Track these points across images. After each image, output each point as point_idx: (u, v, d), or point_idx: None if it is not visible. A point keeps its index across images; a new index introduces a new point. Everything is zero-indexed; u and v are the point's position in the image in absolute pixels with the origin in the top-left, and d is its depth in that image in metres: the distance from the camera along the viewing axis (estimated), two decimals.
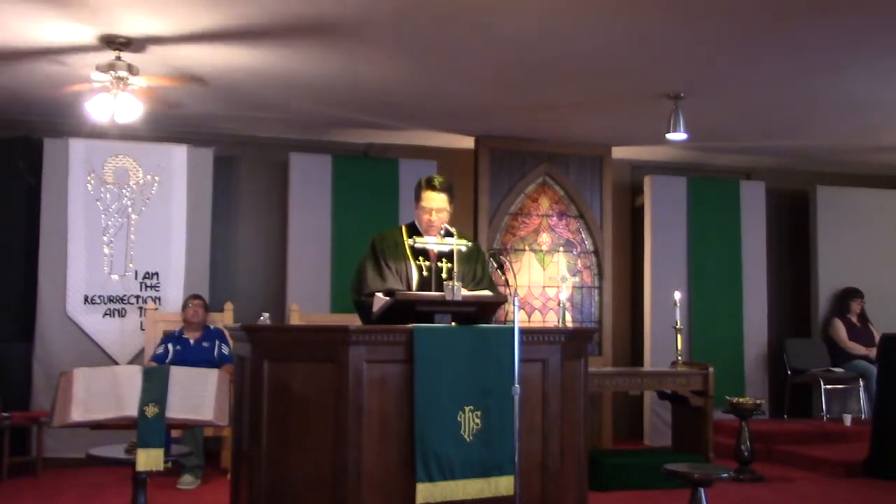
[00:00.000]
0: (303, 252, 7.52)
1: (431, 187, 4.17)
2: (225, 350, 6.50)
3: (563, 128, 7.65)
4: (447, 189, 4.20)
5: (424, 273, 4.15)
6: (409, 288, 4.08)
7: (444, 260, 4.20)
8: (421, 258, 4.18)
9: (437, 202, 4.16)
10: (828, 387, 8.24)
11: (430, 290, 4.06)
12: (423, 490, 3.36)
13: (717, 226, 8.50)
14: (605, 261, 8.20)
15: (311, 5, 4.77)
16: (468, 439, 3.45)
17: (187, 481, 5.93)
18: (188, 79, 6.03)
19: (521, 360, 3.42)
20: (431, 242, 4.07)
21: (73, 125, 6.95)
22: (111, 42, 5.30)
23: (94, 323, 6.95)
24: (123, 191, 7.12)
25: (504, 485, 3.46)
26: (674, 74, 6.05)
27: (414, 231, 4.25)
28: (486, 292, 4.17)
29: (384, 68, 5.92)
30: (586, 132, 7.77)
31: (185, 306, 6.70)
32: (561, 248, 8.17)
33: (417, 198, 4.23)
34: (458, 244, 3.91)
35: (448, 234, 3.93)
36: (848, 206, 8.90)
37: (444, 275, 4.15)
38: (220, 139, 7.69)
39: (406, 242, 4.19)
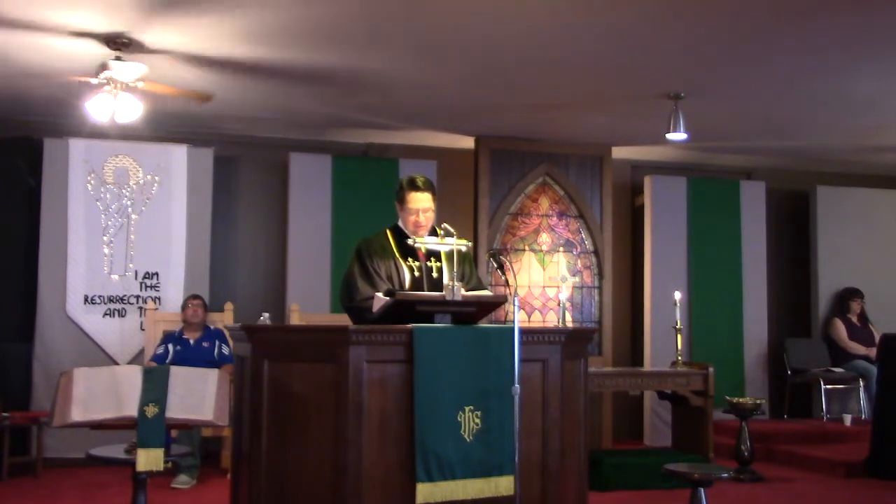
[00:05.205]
0: (303, 252, 7.52)
1: (415, 188, 4.11)
2: (225, 350, 6.50)
3: (563, 128, 7.64)
4: (430, 188, 4.15)
5: (416, 273, 4.12)
6: (403, 289, 4.05)
7: (433, 259, 4.18)
8: (410, 259, 4.14)
9: (423, 202, 4.12)
10: (828, 387, 8.24)
11: (424, 291, 4.04)
12: (423, 490, 3.36)
13: (717, 226, 8.49)
14: (605, 261, 8.19)
15: (311, 6, 4.77)
16: (468, 439, 3.44)
17: (183, 481, 5.93)
18: (194, 94, 6.02)
19: (521, 360, 3.42)
20: (432, 242, 4.05)
21: (73, 125, 6.95)
22: (111, 42, 5.30)
23: (94, 323, 6.95)
24: (123, 191, 7.12)
25: (504, 485, 3.45)
26: (674, 74, 6.05)
27: (399, 233, 4.20)
28: (485, 292, 4.16)
29: (385, 68, 5.92)
30: (586, 132, 7.77)
31: (184, 306, 6.70)
32: (561, 248, 8.17)
33: (401, 200, 4.16)
34: (458, 244, 3.90)
35: (448, 234, 3.92)
36: (848, 206, 8.89)
37: (434, 274, 4.14)
38: (220, 139, 7.69)
39: (393, 244, 4.15)
